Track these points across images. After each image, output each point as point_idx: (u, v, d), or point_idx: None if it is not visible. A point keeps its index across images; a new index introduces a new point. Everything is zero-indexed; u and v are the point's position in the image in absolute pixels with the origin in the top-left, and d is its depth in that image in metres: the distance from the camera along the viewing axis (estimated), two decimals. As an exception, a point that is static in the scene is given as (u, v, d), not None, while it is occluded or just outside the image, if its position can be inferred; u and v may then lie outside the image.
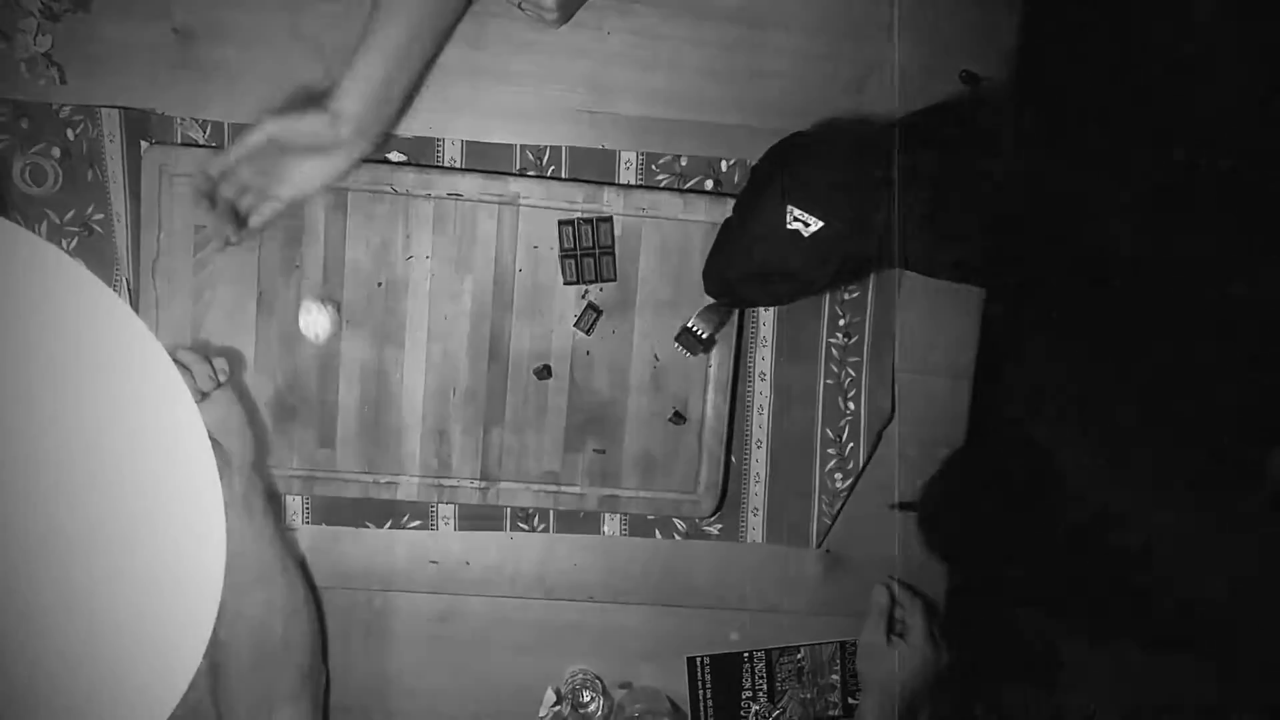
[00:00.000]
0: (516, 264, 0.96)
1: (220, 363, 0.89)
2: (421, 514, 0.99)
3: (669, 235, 0.96)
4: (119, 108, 0.92)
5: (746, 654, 1.04)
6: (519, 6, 0.91)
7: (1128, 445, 1.18)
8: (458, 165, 0.96)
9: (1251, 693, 1.17)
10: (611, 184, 0.96)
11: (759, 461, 1.02)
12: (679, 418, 0.98)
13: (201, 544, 0.51)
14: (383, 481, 0.97)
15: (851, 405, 1.02)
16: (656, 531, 1.02)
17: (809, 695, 1.05)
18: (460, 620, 1.01)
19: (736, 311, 0.97)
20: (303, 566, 0.97)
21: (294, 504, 0.98)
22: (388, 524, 0.99)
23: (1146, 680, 1.22)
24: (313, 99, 0.85)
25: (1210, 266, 1.19)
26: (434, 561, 1.00)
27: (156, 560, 0.49)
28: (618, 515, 1.01)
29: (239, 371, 0.94)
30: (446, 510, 0.99)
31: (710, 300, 0.95)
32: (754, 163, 0.92)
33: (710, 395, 0.98)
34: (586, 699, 1.01)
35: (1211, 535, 1.16)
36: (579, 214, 0.95)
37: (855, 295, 1.01)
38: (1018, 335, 1.17)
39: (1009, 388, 1.16)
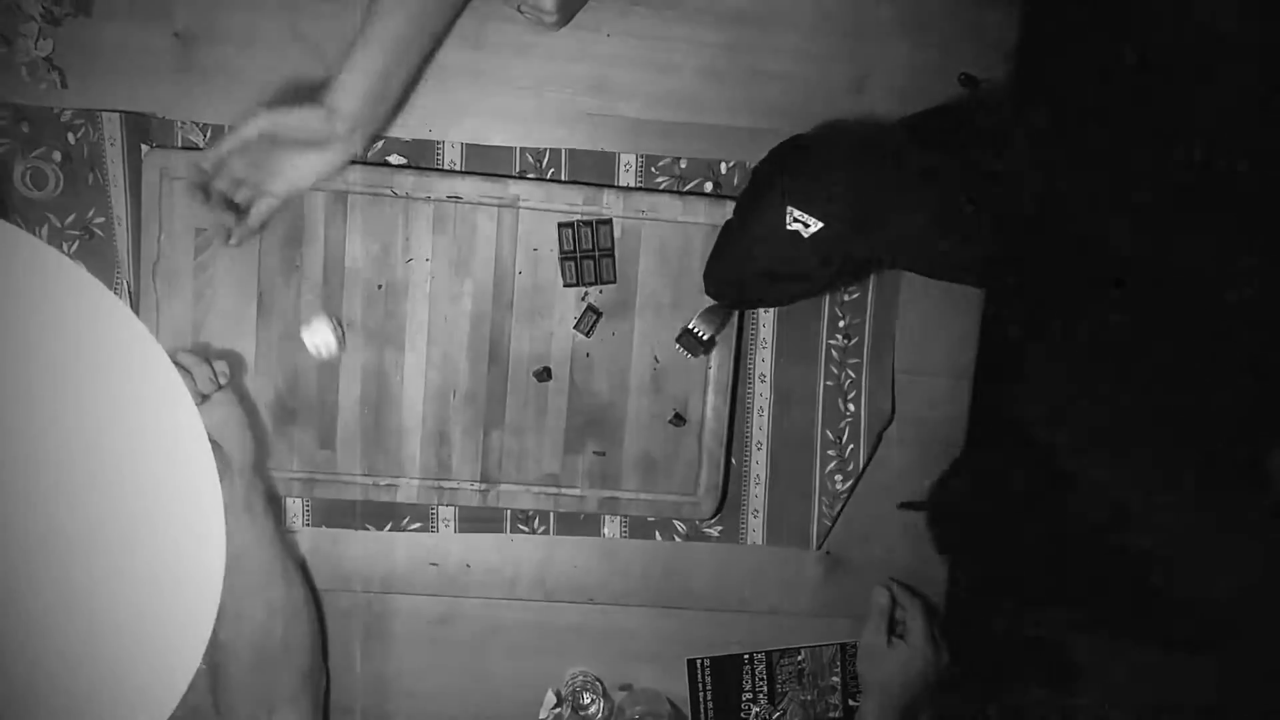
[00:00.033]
0: (516, 266, 0.96)
1: (221, 365, 0.89)
2: (422, 516, 0.99)
3: (668, 237, 0.96)
4: (120, 111, 0.92)
5: (747, 656, 1.04)
6: (519, 9, 0.91)
7: (1131, 445, 1.18)
8: (457, 168, 0.96)
9: (1262, 694, 1.17)
10: (611, 186, 0.97)
11: (759, 463, 1.02)
12: (679, 419, 0.98)
13: (201, 545, 0.51)
14: (383, 484, 0.97)
15: (851, 407, 1.02)
16: (657, 533, 1.02)
17: (809, 697, 1.05)
18: (460, 622, 1.01)
19: (737, 313, 0.97)
20: (303, 568, 0.97)
21: (294, 506, 0.98)
22: (388, 526, 0.99)
23: (1162, 681, 1.22)
24: (308, 93, 0.84)
25: (1213, 267, 1.19)
26: (434, 564, 1.00)
27: (156, 561, 0.49)
28: (618, 517, 1.01)
29: (239, 374, 0.94)
30: (447, 512, 0.99)
31: (711, 302, 0.95)
32: (754, 164, 0.92)
33: (710, 397, 0.98)
34: (587, 701, 1.01)
35: (1220, 537, 1.16)
36: (579, 216, 0.95)
37: (855, 296, 1.01)
38: (1018, 336, 1.17)
39: (1010, 389, 1.15)
